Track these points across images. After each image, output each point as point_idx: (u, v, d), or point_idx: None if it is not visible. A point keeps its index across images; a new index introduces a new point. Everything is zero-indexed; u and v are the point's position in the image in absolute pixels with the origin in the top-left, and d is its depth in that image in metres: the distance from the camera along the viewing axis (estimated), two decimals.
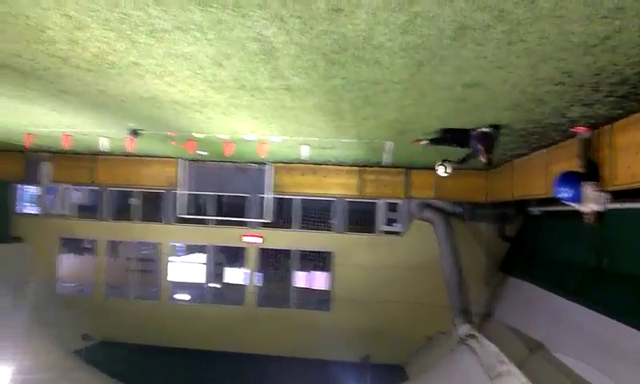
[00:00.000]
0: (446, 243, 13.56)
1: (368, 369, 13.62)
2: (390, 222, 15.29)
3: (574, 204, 6.95)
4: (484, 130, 7.55)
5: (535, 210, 12.01)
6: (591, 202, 6.60)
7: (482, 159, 7.69)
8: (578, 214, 6.95)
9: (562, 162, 8.07)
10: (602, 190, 6.60)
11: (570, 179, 6.95)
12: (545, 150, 8.90)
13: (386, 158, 11.38)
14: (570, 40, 3.96)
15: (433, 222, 13.98)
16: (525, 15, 3.54)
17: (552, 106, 6.08)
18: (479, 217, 13.98)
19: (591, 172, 6.82)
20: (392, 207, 15.25)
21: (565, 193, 6.92)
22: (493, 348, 9.86)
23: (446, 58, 4.45)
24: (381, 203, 15.23)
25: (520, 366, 8.72)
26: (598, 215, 6.77)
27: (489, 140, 7.63)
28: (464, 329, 11.99)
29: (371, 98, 6.12)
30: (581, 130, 6.99)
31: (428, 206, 14.31)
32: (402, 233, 15.04)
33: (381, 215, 15.27)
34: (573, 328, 8.82)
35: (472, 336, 11.41)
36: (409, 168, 14.39)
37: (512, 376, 8.60)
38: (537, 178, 9.28)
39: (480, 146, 7.59)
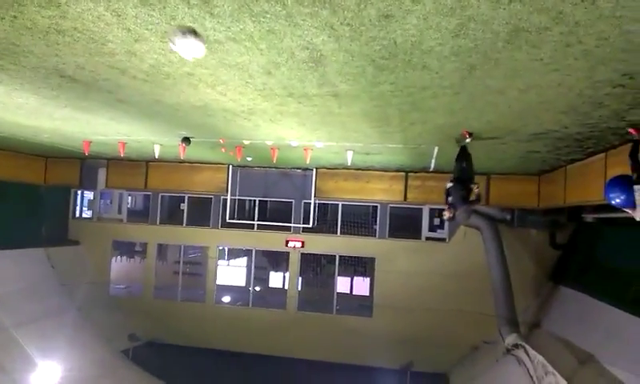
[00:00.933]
0: (494, 250, 13.20)
1: (408, 375, 13.42)
2: (434, 228, 15.08)
3: (628, 210, 6.59)
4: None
5: (589, 217, 11.53)
6: None
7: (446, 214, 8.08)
8: (637, 222, 6.61)
9: (620, 166, 7.70)
10: None
11: (621, 183, 6.57)
12: (602, 155, 8.54)
13: (433, 164, 11.24)
14: (631, 41, 3.79)
15: (480, 228, 13.66)
16: (584, 16, 3.42)
17: (611, 109, 5.84)
18: (529, 223, 13.55)
19: None
20: (437, 213, 15.03)
21: (615, 198, 6.56)
22: (540, 358, 9.52)
23: (499, 61, 4.36)
24: (426, 209, 15.03)
25: (569, 378, 8.36)
26: None
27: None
28: (511, 339, 11.62)
29: (419, 103, 6.07)
30: (632, 132, 6.62)
31: (475, 212, 13.98)
32: (448, 239, 14.79)
33: (425, 221, 15.07)
34: (628, 340, 8.43)
35: (519, 346, 11.05)
36: None
37: None
38: (593, 184, 8.91)
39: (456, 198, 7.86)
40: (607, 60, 4.23)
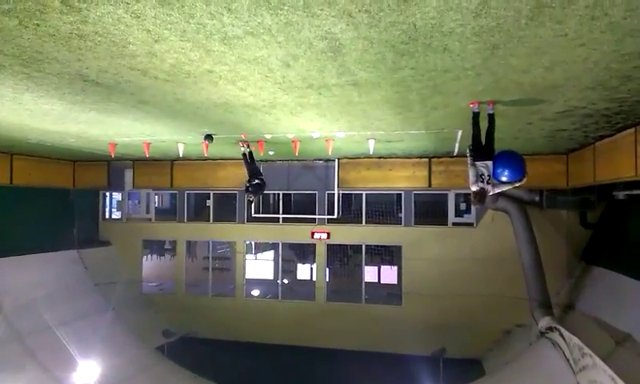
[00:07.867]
0: (524, 233, 12.98)
1: (440, 362, 13.35)
2: (461, 213, 14.89)
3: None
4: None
5: (620, 195, 11.20)
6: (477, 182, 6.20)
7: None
8: None
9: None
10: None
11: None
12: (632, 130, 8.27)
13: (457, 148, 11.07)
14: None
15: (508, 211, 13.43)
16: None
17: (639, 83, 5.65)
18: (558, 204, 13.23)
19: (480, 149, 6.37)
20: (464, 198, 14.84)
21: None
22: (575, 340, 9.34)
23: (522, 39, 4.25)
24: (451, 194, 14.85)
25: (606, 359, 8.19)
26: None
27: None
28: (544, 321, 11.44)
29: (441, 86, 5.98)
30: (474, 104, 6.49)
31: (502, 194, 13.75)
32: (475, 224, 14.60)
33: (451, 206, 14.90)
34: None
35: (553, 329, 10.87)
36: None
37: (597, 369, 8.09)
38: (623, 160, 8.65)
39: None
40: (635, 31, 4.08)
